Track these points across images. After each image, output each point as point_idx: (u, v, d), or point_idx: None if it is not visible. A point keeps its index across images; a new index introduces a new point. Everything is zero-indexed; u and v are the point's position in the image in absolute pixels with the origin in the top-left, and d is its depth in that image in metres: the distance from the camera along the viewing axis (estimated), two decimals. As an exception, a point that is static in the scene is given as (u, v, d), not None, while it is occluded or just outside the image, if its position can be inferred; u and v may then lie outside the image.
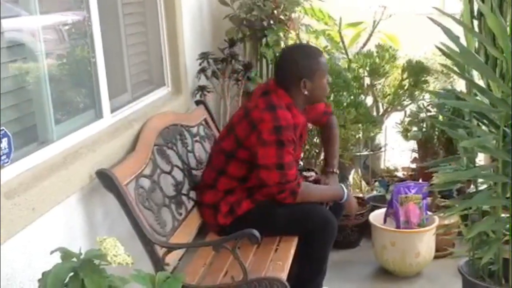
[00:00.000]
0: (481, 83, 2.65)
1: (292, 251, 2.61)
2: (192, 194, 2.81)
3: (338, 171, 2.99)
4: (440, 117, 3.43)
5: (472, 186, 2.96)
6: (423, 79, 3.95)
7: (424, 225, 3.20)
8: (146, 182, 2.46)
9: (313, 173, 3.13)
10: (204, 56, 3.49)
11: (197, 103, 3.34)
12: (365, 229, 3.52)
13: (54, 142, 2.21)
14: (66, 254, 1.59)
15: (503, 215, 2.55)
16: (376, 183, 3.94)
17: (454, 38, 2.44)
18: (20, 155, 1.99)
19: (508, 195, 2.48)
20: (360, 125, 3.69)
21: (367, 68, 3.93)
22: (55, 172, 2.05)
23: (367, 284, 3.25)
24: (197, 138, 3.07)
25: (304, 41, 4.10)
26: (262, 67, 3.85)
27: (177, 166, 2.77)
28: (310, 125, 3.29)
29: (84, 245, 1.90)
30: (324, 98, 2.92)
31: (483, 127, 2.64)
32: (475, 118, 2.63)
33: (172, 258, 2.33)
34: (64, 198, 2.08)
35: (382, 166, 4.32)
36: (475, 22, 2.75)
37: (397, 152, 4.50)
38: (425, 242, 3.19)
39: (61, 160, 2.15)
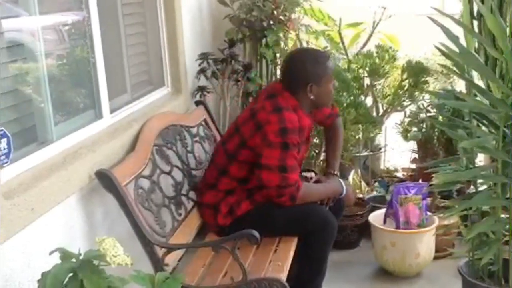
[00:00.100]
0: (481, 83, 2.65)
1: (292, 252, 2.61)
2: (192, 194, 2.81)
3: (338, 173, 3.00)
4: (440, 118, 3.43)
5: (471, 186, 2.96)
6: (423, 79, 3.95)
7: (424, 226, 3.20)
8: (145, 183, 2.46)
9: (312, 174, 3.13)
10: (203, 56, 3.48)
11: (197, 103, 3.34)
12: (365, 230, 3.52)
13: (54, 142, 2.21)
14: (65, 255, 1.59)
15: (502, 215, 2.55)
16: (376, 184, 3.94)
17: (454, 39, 2.44)
18: (20, 155, 1.99)
19: (508, 195, 2.48)
20: (360, 125, 3.69)
21: (367, 69, 3.93)
22: (55, 172, 2.05)
23: (367, 285, 3.25)
24: (197, 138, 3.07)
25: (304, 42, 4.11)
26: (262, 67, 3.85)
27: (177, 167, 2.77)
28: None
29: (84, 245, 1.90)
30: (330, 102, 2.92)
31: (483, 128, 2.64)
32: (475, 118, 2.63)
33: (172, 259, 2.33)
34: (64, 198, 2.08)
35: (382, 167, 4.32)
36: (475, 23, 2.75)
37: (397, 152, 4.50)
38: (425, 243, 3.19)
39: (61, 160, 2.15)
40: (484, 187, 2.73)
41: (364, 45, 4.28)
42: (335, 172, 2.97)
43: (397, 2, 4.90)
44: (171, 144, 2.78)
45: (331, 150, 3.07)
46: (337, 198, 2.84)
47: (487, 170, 2.75)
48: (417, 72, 3.94)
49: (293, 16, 3.81)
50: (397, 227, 3.21)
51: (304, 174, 3.10)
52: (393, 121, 4.13)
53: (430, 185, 2.84)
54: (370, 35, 4.29)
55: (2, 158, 1.80)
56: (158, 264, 2.26)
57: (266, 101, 2.67)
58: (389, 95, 4.07)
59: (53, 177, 2.02)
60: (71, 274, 1.54)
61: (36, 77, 2.17)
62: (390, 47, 4.05)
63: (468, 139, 2.55)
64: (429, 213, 3.26)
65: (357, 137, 3.76)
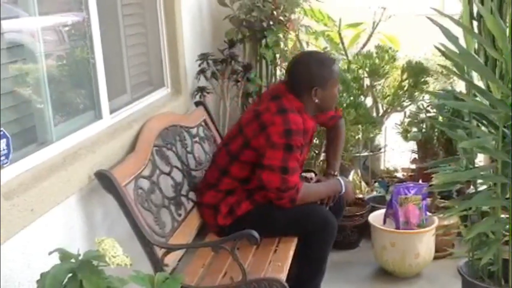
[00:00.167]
0: (480, 84, 2.66)
1: (292, 252, 2.61)
2: (191, 195, 2.81)
3: (338, 174, 3.00)
4: (440, 118, 3.43)
5: (471, 187, 2.96)
6: (422, 80, 3.95)
7: (423, 226, 3.20)
8: (145, 183, 2.46)
9: (312, 174, 3.13)
10: (203, 57, 3.48)
11: (197, 104, 3.34)
12: (364, 230, 3.52)
13: (53, 143, 2.21)
14: (64, 255, 1.59)
15: (502, 215, 2.55)
16: (376, 184, 3.94)
17: (453, 39, 2.44)
18: (19, 156, 1.99)
19: (508, 195, 2.48)
20: (359, 126, 3.70)
21: (367, 69, 3.94)
22: (54, 173, 2.05)
23: (366, 285, 3.25)
24: (197, 139, 3.07)
25: (304, 42, 4.11)
26: (261, 68, 3.85)
27: (177, 167, 2.77)
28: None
29: (84, 246, 1.90)
30: (334, 106, 2.92)
31: (483, 128, 2.64)
32: (475, 119, 2.63)
33: (172, 259, 2.33)
34: (63, 199, 2.08)
35: (381, 167, 4.32)
36: (475, 24, 2.76)
37: (397, 153, 4.50)
38: (424, 243, 3.19)
39: (60, 161, 2.15)
40: (484, 187, 2.73)
41: (364, 45, 4.29)
42: (335, 173, 2.98)
43: (397, 2, 4.90)
44: (171, 144, 2.78)
45: (332, 151, 3.08)
46: (337, 198, 2.84)
47: (487, 170, 2.75)
48: (417, 73, 3.95)
49: (293, 16, 3.81)
50: (397, 227, 3.21)
51: (304, 174, 3.10)
52: (393, 121, 4.13)
53: (430, 185, 2.84)
54: (370, 36, 4.29)
55: (1, 158, 1.80)
56: (157, 264, 2.26)
57: (270, 102, 2.66)
58: (389, 95, 4.07)
59: (53, 178, 2.02)
60: (70, 275, 1.54)
61: (35, 78, 2.17)
62: (390, 48, 4.06)
63: (468, 139, 2.55)
64: (429, 213, 3.26)
65: (357, 137, 3.77)
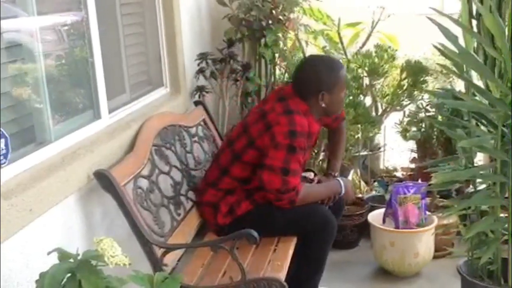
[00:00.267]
0: (480, 83, 2.65)
1: (291, 252, 2.61)
2: (191, 194, 2.81)
3: (338, 175, 3.00)
4: (439, 117, 3.43)
5: (470, 186, 2.96)
6: (422, 79, 3.95)
7: (423, 225, 3.20)
8: (144, 183, 2.46)
9: (311, 173, 3.12)
10: (202, 56, 3.48)
11: (196, 103, 3.34)
12: (364, 229, 3.52)
13: (52, 142, 2.20)
14: (63, 255, 1.59)
15: (501, 215, 2.55)
16: (375, 183, 3.94)
17: (452, 38, 2.44)
18: (18, 156, 1.99)
19: (507, 195, 2.48)
20: (359, 125, 3.69)
21: (366, 68, 3.94)
22: (53, 172, 2.05)
23: (366, 284, 3.25)
24: (196, 138, 3.07)
25: (303, 41, 4.10)
26: (260, 67, 3.85)
27: (176, 167, 2.76)
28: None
29: (83, 245, 1.90)
30: (340, 110, 2.92)
31: (482, 127, 2.64)
32: (474, 118, 2.63)
33: (171, 259, 2.33)
34: (62, 198, 2.07)
35: (381, 166, 4.32)
36: (474, 23, 2.75)
37: (396, 152, 4.50)
38: (424, 242, 3.19)
39: (59, 160, 2.15)
40: (483, 186, 2.73)
41: (363, 44, 4.28)
42: (335, 174, 2.98)
43: (396, 2, 4.90)
44: (170, 144, 2.78)
45: (334, 151, 3.08)
46: (337, 198, 2.84)
47: (486, 169, 2.75)
48: (416, 72, 3.95)
49: (292, 15, 3.80)
50: (396, 226, 3.21)
51: (303, 174, 3.10)
52: (392, 120, 4.13)
53: (429, 184, 2.84)
54: (369, 35, 4.29)
55: (0, 158, 1.80)
56: (157, 264, 2.26)
57: (276, 103, 2.66)
58: (388, 94, 4.07)
59: (52, 178, 2.02)
60: (69, 275, 1.54)
61: (34, 78, 2.17)
62: (389, 47, 4.06)
63: (467, 138, 2.55)
64: (428, 213, 3.26)
65: (356, 136, 3.76)
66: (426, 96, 3.98)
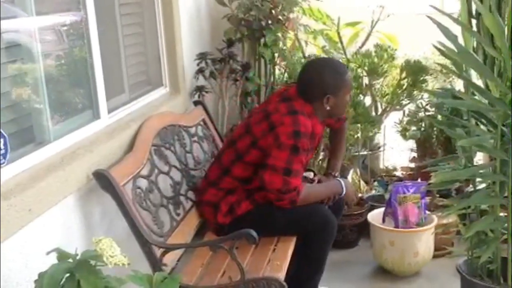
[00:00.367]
0: (479, 82, 2.65)
1: (290, 251, 2.61)
2: (190, 194, 2.81)
3: (339, 175, 3.01)
4: (439, 117, 3.43)
5: (470, 185, 2.96)
6: (421, 78, 3.95)
7: (422, 225, 3.20)
8: (143, 183, 2.46)
9: (311, 173, 3.12)
10: (202, 56, 3.48)
11: (195, 103, 3.34)
12: (363, 229, 3.52)
13: (51, 142, 2.20)
14: (62, 255, 1.59)
15: (501, 214, 2.55)
16: (375, 183, 3.94)
17: (452, 38, 2.43)
18: (17, 156, 1.99)
19: (506, 194, 2.48)
20: (359, 124, 3.69)
21: (366, 68, 3.93)
22: (52, 172, 2.05)
23: (366, 284, 3.25)
24: (195, 138, 3.07)
25: (303, 41, 4.10)
26: (260, 67, 3.85)
27: (175, 167, 2.76)
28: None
29: (82, 246, 1.90)
30: (344, 113, 2.92)
31: (481, 126, 2.64)
32: (473, 117, 2.63)
33: (170, 259, 2.33)
34: (61, 198, 2.07)
35: (381, 166, 4.32)
36: (474, 22, 2.75)
37: (396, 151, 4.49)
38: (423, 242, 3.18)
39: (58, 160, 2.15)
40: (483, 185, 2.73)
41: (363, 44, 4.28)
42: (335, 174, 2.98)
43: (396, 1, 4.89)
44: (169, 144, 2.78)
45: (334, 151, 3.08)
46: (336, 198, 2.84)
47: (486, 168, 2.75)
48: (415, 71, 3.94)
49: (291, 15, 3.80)
50: (396, 226, 3.21)
51: (304, 174, 3.10)
52: (392, 120, 4.13)
53: (429, 184, 2.84)
54: (369, 34, 4.28)
55: (-1, 158, 1.80)
56: (156, 264, 2.25)
57: (280, 104, 2.66)
58: (387, 94, 4.07)
59: (51, 178, 2.02)
60: (68, 275, 1.53)
61: (33, 78, 2.17)
62: (389, 46, 4.05)
63: (467, 137, 2.54)
64: (428, 212, 3.26)
65: (356, 136, 3.76)
66: (425, 95, 3.97)
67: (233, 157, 2.71)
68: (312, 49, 4.26)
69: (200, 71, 3.49)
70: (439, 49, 2.53)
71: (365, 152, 4.12)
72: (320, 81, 2.66)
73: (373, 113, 4.04)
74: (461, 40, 2.51)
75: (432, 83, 4.17)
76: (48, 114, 2.22)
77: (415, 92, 3.97)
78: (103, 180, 2.21)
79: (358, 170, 4.10)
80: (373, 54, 3.95)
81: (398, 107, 4.08)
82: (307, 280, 2.74)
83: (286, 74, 3.92)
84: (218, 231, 2.71)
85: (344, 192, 2.82)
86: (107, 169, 2.25)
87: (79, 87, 2.53)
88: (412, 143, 4.08)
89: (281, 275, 2.38)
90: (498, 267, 2.57)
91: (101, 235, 1.64)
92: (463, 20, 2.63)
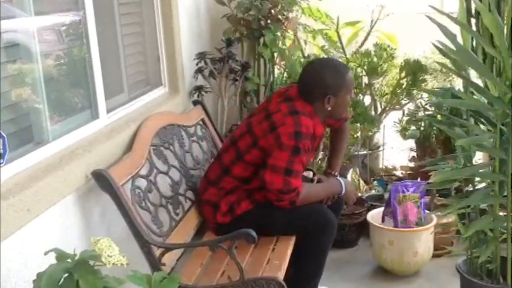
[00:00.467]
0: (479, 81, 2.65)
1: (290, 251, 2.60)
2: (189, 194, 2.81)
3: (338, 174, 3.01)
4: (438, 116, 3.43)
5: (469, 185, 2.96)
6: (421, 78, 3.95)
7: (422, 224, 3.19)
8: (142, 183, 2.45)
9: (310, 173, 3.12)
10: (201, 56, 3.48)
11: (195, 103, 3.34)
12: (363, 228, 3.52)
13: (50, 142, 2.20)
14: (60, 255, 1.58)
15: (500, 213, 2.55)
16: (375, 182, 3.94)
17: (451, 37, 2.43)
18: (16, 155, 1.98)
19: (506, 193, 2.48)
20: (358, 124, 3.69)
21: (365, 67, 3.93)
22: (51, 172, 2.04)
23: (365, 284, 3.24)
24: (194, 138, 3.07)
25: (302, 41, 4.10)
26: (259, 66, 3.85)
27: (174, 166, 2.76)
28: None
29: (81, 246, 1.90)
30: (345, 113, 2.92)
31: (480, 126, 2.64)
32: (473, 116, 2.63)
33: (170, 259, 2.33)
34: (60, 198, 2.07)
35: (380, 165, 4.32)
36: (473, 21, 2.75)
37: (396, 151, 4.49)
38: (423, 241, 3.18)
39: (57, 160, 2.14)
40: (482, 185, 2.73)
41: (362, 43, 4.28)
42: (335, 173, 2.98)
43: (395, 0, 4.89)
44: (168, 143, 2.78)
45: (335, 151, 3.08)
46: (336, 198, 2.84)
47: (485, 168, 2.75)
48: (415, 71, 3.94)
49: (290, 15, 3.80)
50: (396, 225, 3.20)
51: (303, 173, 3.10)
52: (392, 119, 4.13)
53: (428, 183, 2.84)
54: (368, 34, 4.28)
55: (-3, 158, 1.80)
56: (155, 264, 2.25)
57: (282, 104, 2.65)
58: (387, 93, 4.07)
59: (49, 178, 2.01)
60: (66, 275, 1.53)
61: (32, 78, 2.17)
62: (388, 46, 4.05)
63: (466, 137, 2.54)
64: (427, 212, 3.26)
65: (355, 135, 3.76)
66: (425, 95, 3.97)
67: (233, 156, 2.71)
68: (312, 49, 4.26)
69: (199, 70, 3.48)
70: (438, 48, 2.53)
71: (364, 152, 4.11)
72: (320, 81, 2.66)
73: (373, 113, 4.04)
74: (460, 39, 2.51)
75: (432, 83, 4.17)
76: (47, 114, 2.22)
77: (414, 92, 3.97)
78: (102, 180, 2.21)
79: (357, 170, 4.10)
80: (373, 53, 3.95)
81: (397, 106, 4.08)
82: (306, 280, 2.74)
83: (285, 74, 3.92)
84: (218, 231, 2.70)
85: (343, 191, 2.82)
86: (106, 169, 2.24)
87: (78, 87, 2.53)
88: (411, 143, 4.08)
89: (280, 275, 2.37)
90: (497, 267, 2.57)
91: (100, 235, 1.64)
92: (462, 20, 2.63)
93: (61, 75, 2.43)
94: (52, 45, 2.39)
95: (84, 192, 2.23)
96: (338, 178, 2.91)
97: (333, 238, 2.70)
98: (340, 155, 3.06)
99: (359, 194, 3.78)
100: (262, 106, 2.84)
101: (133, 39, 3.17)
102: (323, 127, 2.78)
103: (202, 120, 3.23)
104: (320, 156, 3.69)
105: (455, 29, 2.48)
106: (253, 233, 2.23)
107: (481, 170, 2.66)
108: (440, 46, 2.49)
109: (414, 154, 4.05)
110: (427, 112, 3.91)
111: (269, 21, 3.67)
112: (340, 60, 3.57)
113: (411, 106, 4.05)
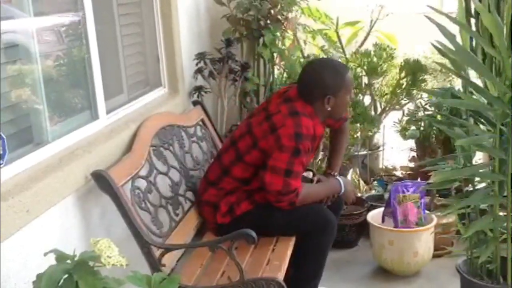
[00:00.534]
0: (479, 81, 2.65)
1: (289, 251, 2.60)
2: (189, 194, 2.81)
3: (338, 175, 3.00)
4: (438, 116, 3.43)
5: (469, 185, 2.96)
6: (420, 78, 3.95)
7: (422, 224, 3.19)
8: (142, 183, 2.45)
9: (310, 173, 3.12)
10: (201, 56, 3.48)
11: (194, 103, 3.34)
12: (363, 229, 3.51)
13: (50, 143, 2.20)
14: (60, 256, 1.58)
15: (500, 213, 2.54)
16: (375, 183, 3.94)
17: (450, 37, 2.43)
18: (15, 156, 1.98)
19: (505, 193, 2.48)
20: (358, 124, 3.69)
21: (365, 67, 3.93)
22: (51, 173, 2.04)
23: (365, 284, 3.24)
24: (194, 138, 3.06)
25: (301, 41, 4.10)
26: (259, 67, 3.85)
27: (174, 167, 2.76)
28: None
29: (81, 246, 1.90)
30: (344, 113, 2.92)
31: (480, 126, 2.64)
32: (472, 116, 2.63)
33: (170, 259, 2.33)
34: (60, 199, 2.07)
35: (380, 165, 4.31)
36: (473, 21, 2.75)
37: (395, 151, 4.49)
38: (423, 241, 3.18)
39: (57, 161, 2.14)
40: (482, 185, 2.73)
41: (362, 43, 4.28)
42: (335, 173, 2.98)
43: (395, 0, 4.89)
44: (168, 144, 2.78)
45: (334, 152, 3.08)
46: (335, 197, 2.84)
47: (485, 168, 2.75)
48: (415, 71, 3.94)
49: (290, 15, 3.80)
50: (396, 225, 3.20)
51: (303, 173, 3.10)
52: (391, 119, 4.13)
53: (428, 183, 2.84)
54: (368, 34, 4.28)
55: (-3, 159, 1.80)
56: (155, 264, 2.25)
57: (282, 105, 2.65)
58: (387, 93, 4.07)
59: (49, 178, 2.01)
60: (66, 276, 1.53)
61: (31, 78, 2.17)
62: (388, 46, 4.05)
63: (466, 137, 2.54)
64: (427, 212, 3.26)
65: (355, 136, 3.76)
66: (425, 95, 3.97)
67: (233, 157, 2.71)
68: (311, 49, 4.26)
69: (199, 71, 3.48)
70: (437, 48, 2.53)
71: (364, 152, 4.11)
72: (320, 81, 2.65)
73: (372, 113, 4.04)
74: (459, 39, 2.51)
75: (432, 83, 4.17)
76: (46, 114, 2.22)
77: (414, 92, 3.97)
78: (101, 180, 2.21)
79: (357, 170, 4.10)
80: (372, 53, 3.95)
81: (397, 106, 4.08)
82: (306, 280, 2.73)
83: (285, 74, 3.92)
84: (217, 231, 2.70)
85: (342, 190, 2.82)
86: (106, 169, 2.24)
87: (78, 87, 2.53)
88: (411, 143, 4.08)
89: (280, 275, 2.37)
90: (497, 267, 2.57)
91: (99, 236, 1.64)
92: (461, 20, 2.63)
93: (61, 75, 2.43)
94: (51, 45, 2.39)
95: (83, 193, 2.23)
96: (338, 177, 2.91)
97: (333, 239, 2.70)
98: (339, 155, 3.06)
99: (359, 195, 3.78)
100: (262, 107, 2.84)
101: (132, 39, 3.16)
102: (323, 128, 2.78)
103: (202, 120, 3.23)
104: (320, 157, 3.69)
105: (455, 29, 2.48)
106: (253, 234, 2.23)
107: (481, 170, 2.66)
108: (439, 46, 2.49)
109: (414, 154, 4.05)
110: (427, 112, 3.91)
111: (268, 21, 3.67)
112: (339, 60, 3.57)
113: (411, 106, 4.05)
